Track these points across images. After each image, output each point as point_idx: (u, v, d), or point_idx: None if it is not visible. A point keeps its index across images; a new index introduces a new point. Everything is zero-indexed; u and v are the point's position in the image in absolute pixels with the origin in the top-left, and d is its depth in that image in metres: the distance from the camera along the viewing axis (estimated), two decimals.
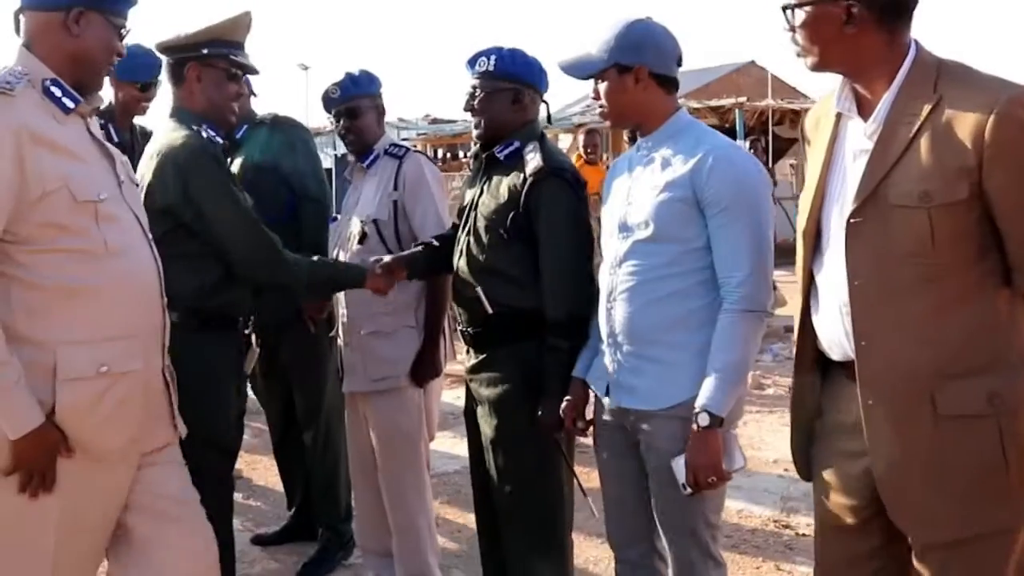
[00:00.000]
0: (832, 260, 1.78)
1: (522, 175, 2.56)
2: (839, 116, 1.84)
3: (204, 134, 2.61)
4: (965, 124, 1.60)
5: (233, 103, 2.75)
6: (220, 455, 2.66)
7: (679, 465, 2.19)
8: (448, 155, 16.89)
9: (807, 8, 1.72)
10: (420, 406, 3.07)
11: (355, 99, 3.13)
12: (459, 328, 2.76)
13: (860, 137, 1.76)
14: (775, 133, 16.01)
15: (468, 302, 2.67)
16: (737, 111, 13.68)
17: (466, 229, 2.69)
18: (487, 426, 2.64)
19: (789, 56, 1.85)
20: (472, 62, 2.67)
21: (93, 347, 2.02)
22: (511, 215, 2.55)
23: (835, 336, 1.80)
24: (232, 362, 2.75)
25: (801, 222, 1.88)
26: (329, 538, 3.62)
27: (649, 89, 2.29)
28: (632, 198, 2.30)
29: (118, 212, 2.11)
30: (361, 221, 3.05)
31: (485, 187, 2.67)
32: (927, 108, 1.65)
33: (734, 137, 13.55)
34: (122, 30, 2.16)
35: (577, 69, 2.34)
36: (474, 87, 2.67)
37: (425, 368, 3.03)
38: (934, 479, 1.69)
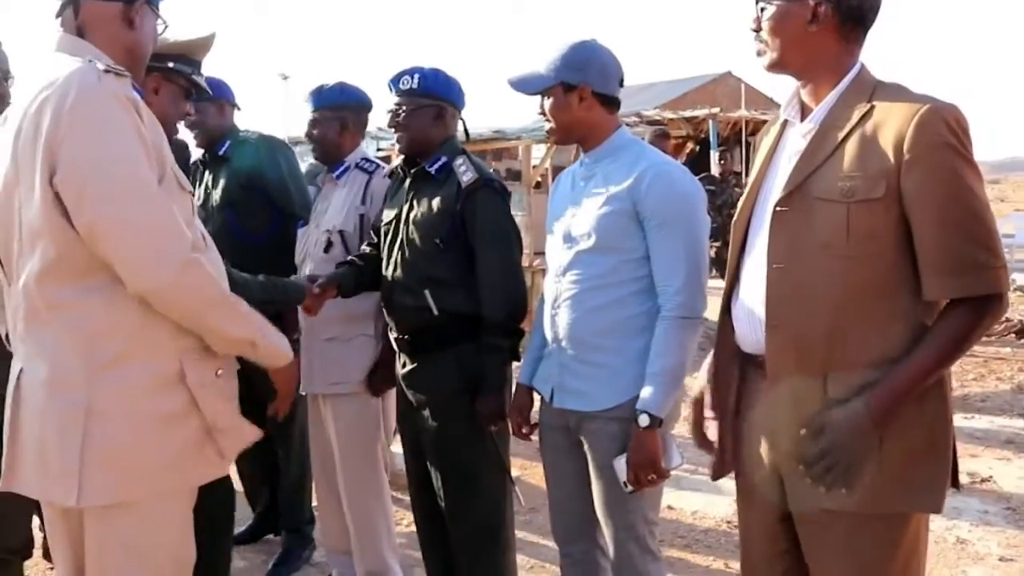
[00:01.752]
0: (758, 249, 1.90)
1: (455, 187, 2.71)
2: (784, 125, 1.98)
3: None
4: (889, 129, 1.73)
5: (181, 121, 2.82)
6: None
7: (620, 464, 2.32)
8: None
9: (777, 3, 1.84)
10: (378, 410, 3.16)
11: (317, 110, 3.20)
12: (393, 337, 2.87)
13: (798, 139, 1.89)
14: (749, 143, 16.28)
15: (404, 310, 2.79)
16: (711, 121, 13.85)
17: (397, 242, 2.81)
18: (428, 429, 2.76)
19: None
20: (396, 81, 2.80)
21: (208, 353, 1.98)
22: (447, 225, 2.69)
23: (750, 324, 1.91)
24: None
25: (736, 215, 2.01)
26: (293, 539, 3.71)
27: (592, 108, 2.42)
28: (576, 211, 2.43)
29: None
30: (327, 231, 3.15)
31: (415, 201, 2.80)
32: (859, 114, 1.78)
33: (708, 147, 13.73)
34: (158, 22, 2.09)
35: (524, 85, 2.46)
36: (398, 104, 2.80)
37: (381, 377, 3.08)
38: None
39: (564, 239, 2.45)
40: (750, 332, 1.92)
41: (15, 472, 1.91)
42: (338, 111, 3.17)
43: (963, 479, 4.44)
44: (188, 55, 2.71)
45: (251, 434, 2.13)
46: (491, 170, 2.86)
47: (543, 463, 2.62)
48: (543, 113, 2.47)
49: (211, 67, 2.93)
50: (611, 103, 2.44)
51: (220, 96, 3.50)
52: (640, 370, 2.31)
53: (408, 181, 2.86)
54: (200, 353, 1.96)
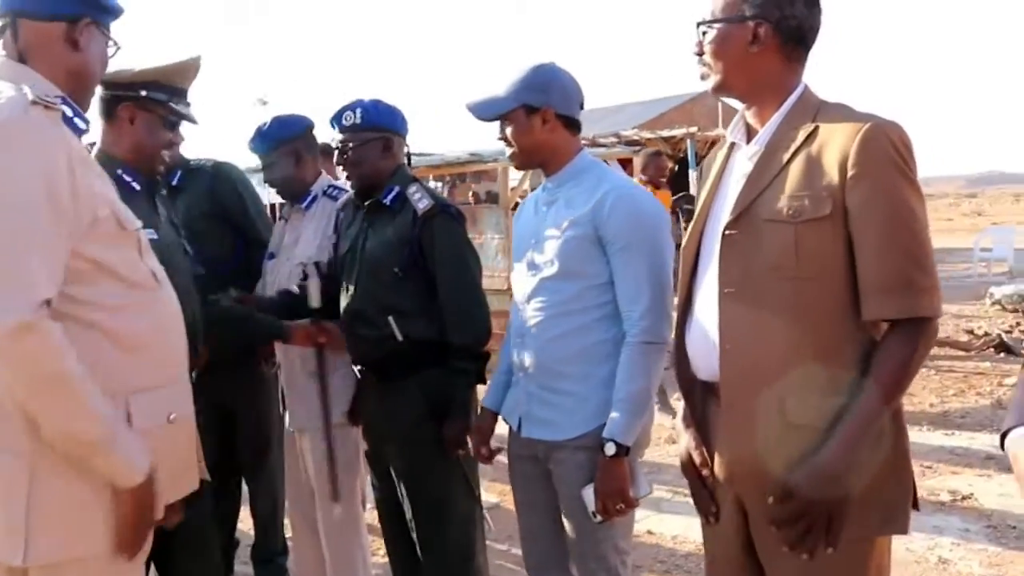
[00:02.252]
0: (710, 273, 1.87)
1: (411, 215, 2.69)
2: (731, 147, 1.95)
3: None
4: (834, 147, 1.71)
5: (164, 151, 2.63)
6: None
7: (588, 494, 2.27)
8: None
9: (718, 26, 1.83)
10: (357, 442, 3.11)
11: (267, 154, 3.15)
12: (357, 368, 2.84)
13: (744, 161, 1.87)
14: None
15: (366, 341, 2.75)
16: (689, 141, 13.88)
17: (355, 273, 2.78)
18: (397, 456, 2.73)
19: None
20: (338, 117, 2.78)
21: (161, 392, 1.85)
22: (406, 253, 2.66)
23: (704, 350, 1.87)
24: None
25: (684, 241, 1.98)
26: (266, 570, 3.65)
27: (555, 130, 2.39)
28: (538, 237, 2.39)
29: (147, 242, 1.95)
30: (301, 263, 3.10)
31: (371, 231, 2.77)
32: (804, 134, 1.76)
33: (687, 167, 13.76)
34: (108, 44, 1.97)
35: (484, 109, 2.42)
36: (344, 141, 2.77)
37: (362, 408, 3.01)
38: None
39: (528, 266, 2.41)
40: (705, 358, 1.88)
41: None
42: (288, 145, 3.13)
43: (944, 497, 4.43)
44: (163, 82, 2.56)
45: (190, 485, 2.00)
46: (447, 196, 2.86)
47: (513, 493, 2.56)
48: (504, 138, 2.43)
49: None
50: (573, 125, 2.42)
51: None
52: (606, 397, 2.28)
53: (363, 213, 2.83)
54: (151, 395, 1.83)
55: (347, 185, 2.96)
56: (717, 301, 1.82)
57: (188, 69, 2.60)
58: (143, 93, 2.52)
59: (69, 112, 1.78)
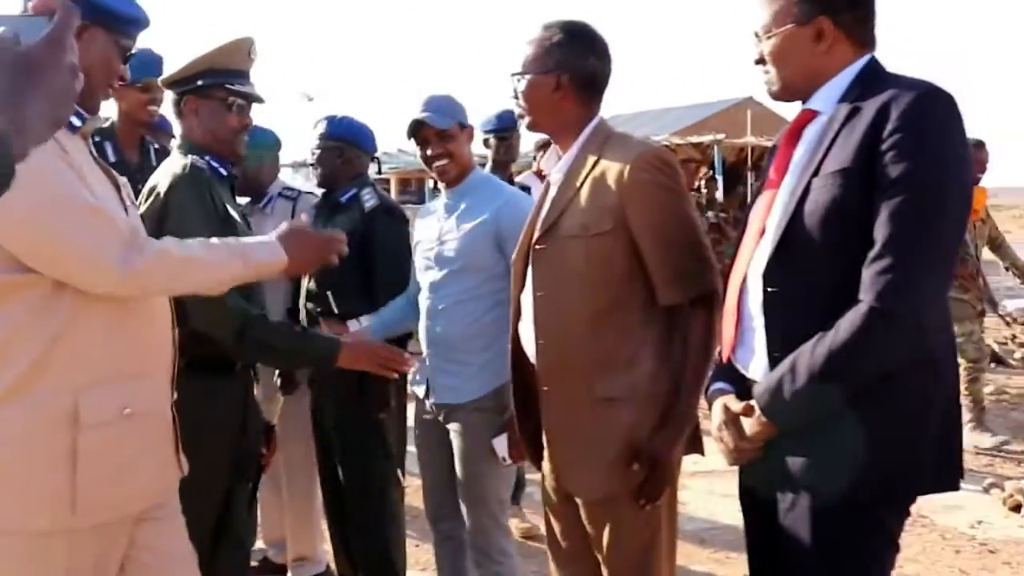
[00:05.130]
0: (528, 280, 2.28)
1: (359, 212, 3.20)
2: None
3: (202, 164, 2.53)
4: (612, 173, 2.12)
5: (238, 134, 2.61)
6: (210, 504, 2.42)
7: (500, 443, 2.72)
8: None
9: (528, 77, 2.23)
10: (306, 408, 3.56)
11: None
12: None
13: (552, 187, 2.30)
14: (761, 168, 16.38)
15: (311, 315, 3.27)
16: (716, 147, 14.12)
17: None
18: (332, 417, 3.21)
19: None
20: (315, 126, 3.35)
21: (116, 386, 1.83)
22: (351, 243, 3.09)
23: (529, 342, 2.29)
24: (227, 411, 2.52)
25: (515, 255, 2.38)
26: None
27: (465, 143, 2.85)
28: (444, 237, 2.83)
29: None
30: None
31: (327, 225, 3.25)
32: (592, 162, 2.18)
33: (715, 172, 13.97)
34: (127, 52, 1.99)
35: (430, 122, 2.78)
36: (315, 146, 3.33)
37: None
38: (591, 449, 2.17)
39: (436, 262, 2.84)
40: (530, 349, 2.29)
41: None
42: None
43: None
44: (216, 68, 2.55)
45: (165, 482, 2.00)
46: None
47: (418, 454, 3.01)
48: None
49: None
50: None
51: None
52: (497, 368, 2.67)
53: (326, 209, 3.34)
54: (103, 388, 1.81)
55: (302, 186, 3.44)
56: (532, 303, 2.24)
57: (237, 50, 2.59)
58: (199, 83, 2.56)
59: None
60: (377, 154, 3.46)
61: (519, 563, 3.01)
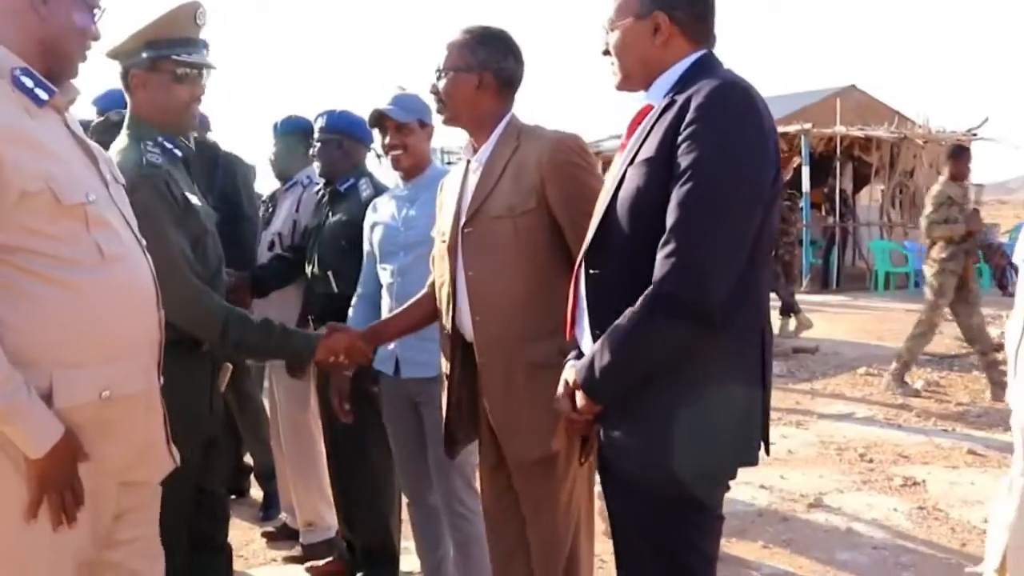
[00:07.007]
0: (459, 260, 2.43)
1: (357, 201, 3.39)
2: (468, 164, 2.50)
3: (155, 157, 2.41)
4: (531, 158, 2.30)
5: (189, 107, 2.48)
6: (184, 485, 2.36)
7: None
8: None
9: (451, 74, 2.40)
10: (308, 386, 3.79)
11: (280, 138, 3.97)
12: (311, 317, 3.52)
13: (472, 175, 2.45)
14: (861, 159, 15.99)
15: (317, 296, 3.47)
16: (803, 137, 13.83)
17: (316, 244, 3.50)
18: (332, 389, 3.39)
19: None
20: (314, 120, 3.57)
21: (94, 369, 1.81)
22: (350, 230, 3.33)
23: (465, 318, 2.44)
24: (196, 392, 2.52)
25: (447, 238, 2.49)
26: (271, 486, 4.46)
27: (424, 141, 3.05)
28: (408, 225, 3.01)
29: (109, 216, 1.88)
30: (274, 233, 3.88)
31: (329, 213, 3.47)
32: (511, 151, 2.35)
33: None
34: (95, 10, 1.92)
35: (392, 114, 2.97)
36: (315, 139, 3.54)
37: None
38: (527, 413, 2.31)
39: (402, 247, 3.02)
40: (467, 325, 2.45)
41: None
42: (282, 138, 3.93)
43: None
44: (161, 38, 2.41)
45: (158, 466, 2.03)
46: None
47: (389, 433, 3.18)
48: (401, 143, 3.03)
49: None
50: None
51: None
52: None
53: (326, 198, 3.56)
54: (79, 371, 1.79)
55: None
56: (464, 283, 2.40)
57: (182, 16, 2.42)
58: (144, 55, 2.41)
59: (29, 83, 1.79)
60: (373, 145, 3.65)
61: None
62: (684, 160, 1.67)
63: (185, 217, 2.44)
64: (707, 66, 1.83)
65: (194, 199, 2.52)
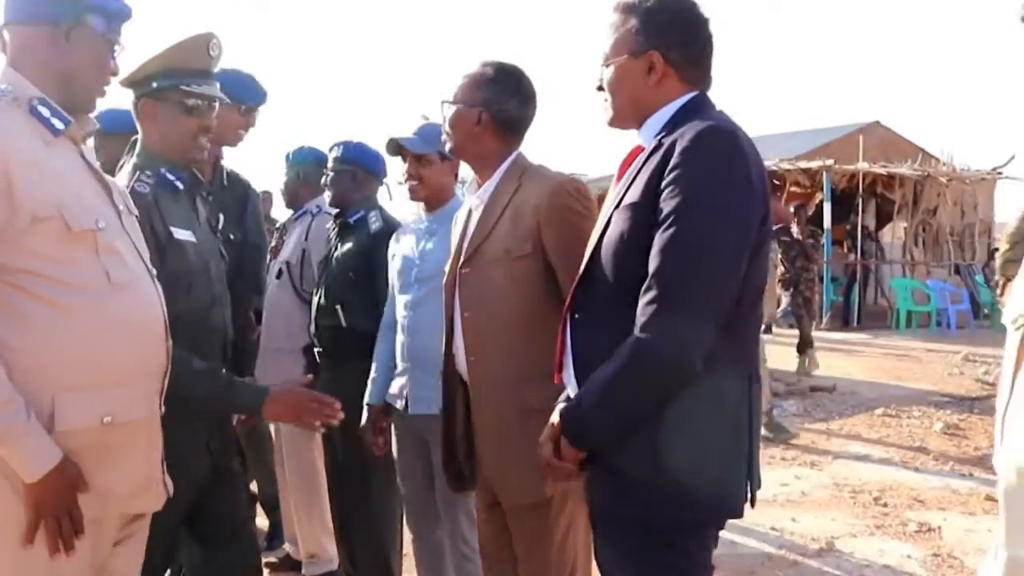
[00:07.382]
0: (456, 300, 2.42)
1: (366, 232, 3.39)
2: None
3: (143, 188, 2.36)
4: (530, 201, 2.28)
5: (197, 138, 2.46)
6: (171, 517, 2.25)
7: None
8: None
9: (455, 107, 2.40)
10: None
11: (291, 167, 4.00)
12: (316, 351, 3.50)
13: (475, 212, 2.44)
14: (884, 196, 15.90)
15: (323, 328, 3.44)
16: (824, 173, 13.77)
17: (325, 275, 3.49)
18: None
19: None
20: (330, 151, 3.56)
21: (96, 394, 1.81)
22: (360, 261, 3.35)
23: (461, 359, 2.42)
24: (196, 421, 2.45)
25: (445, 277, 2.49)
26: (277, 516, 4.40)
27: (446, 175, 3.01)
28: (423, 259, 2.98)
29: (119, 244, 1.90)
30: (283, 262, 3.88)
31: (339, 244, 3.46)
32: (512, 190, 2.33)
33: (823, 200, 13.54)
34: (115, 46, 1.96)
35: (412, 144, 2.94)
36: (328, 168, 3.54)
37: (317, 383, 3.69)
38: (520, 457, 2.24)
39: (416, 280, 2.99)
40: (463, 364, 2.43)
41: None
42: (294, 168, 3.97)
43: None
44: (172, 68, 2.42)
45: (155, 496, 2.00)
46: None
47: (398, 467, 3.14)
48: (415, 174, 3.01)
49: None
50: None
51: None
52: None
53: (336, 229, 3.55)
54: (81, 395, 1.80)
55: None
56: (460, 323, 2.38)
57: (194, 48, 2.44)
58: (154, 85, 2.42)
59: (46, 112, 1.84)
60: (386, 179, 3.64)
61: None
62: (667, 205, 1.64)
63: (164, 252, 2.33)
64: (697, 108, 1.80)
65: (183, 234, 2.42)
